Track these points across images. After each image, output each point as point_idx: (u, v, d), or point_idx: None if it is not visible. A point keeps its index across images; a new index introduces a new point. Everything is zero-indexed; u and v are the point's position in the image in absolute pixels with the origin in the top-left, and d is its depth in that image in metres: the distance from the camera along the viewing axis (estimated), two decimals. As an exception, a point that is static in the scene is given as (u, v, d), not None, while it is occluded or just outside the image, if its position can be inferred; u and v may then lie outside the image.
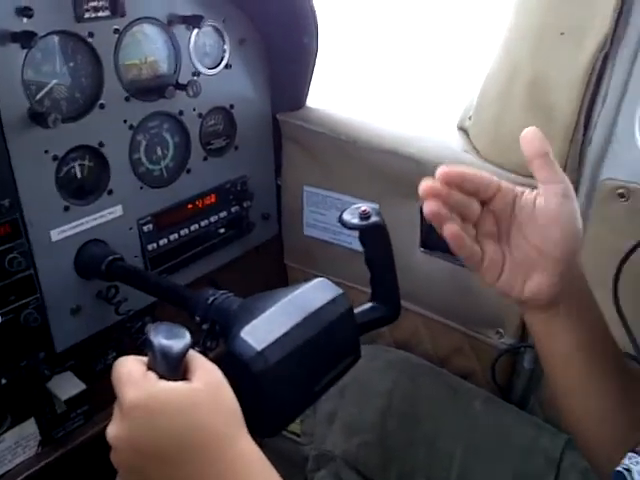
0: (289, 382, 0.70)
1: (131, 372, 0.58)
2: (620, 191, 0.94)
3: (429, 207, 0.65)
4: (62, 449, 1.03)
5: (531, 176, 0.95)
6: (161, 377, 0.58)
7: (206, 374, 0.59)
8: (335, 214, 1.25)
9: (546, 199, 0.66)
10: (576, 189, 0.97)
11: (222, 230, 1.22)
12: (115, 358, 0.61)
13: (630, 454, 0.68)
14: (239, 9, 1.14)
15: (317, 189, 1.26)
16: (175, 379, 0.58)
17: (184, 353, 0.59)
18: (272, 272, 1.41)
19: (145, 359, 0.60)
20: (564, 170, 0.96)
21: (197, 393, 0.57)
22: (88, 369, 1.05)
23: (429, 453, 0.97)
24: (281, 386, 0.69)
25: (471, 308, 0.98)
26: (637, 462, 0.66)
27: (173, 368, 0.58)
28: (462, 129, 1.08)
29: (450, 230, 0.65)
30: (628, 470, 0.66)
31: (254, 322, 0.70)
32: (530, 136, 0.67)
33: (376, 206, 0.87)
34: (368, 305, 0.91)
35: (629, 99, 0.90)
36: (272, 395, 0.68)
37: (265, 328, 0.69)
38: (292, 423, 0.80)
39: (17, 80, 0.87)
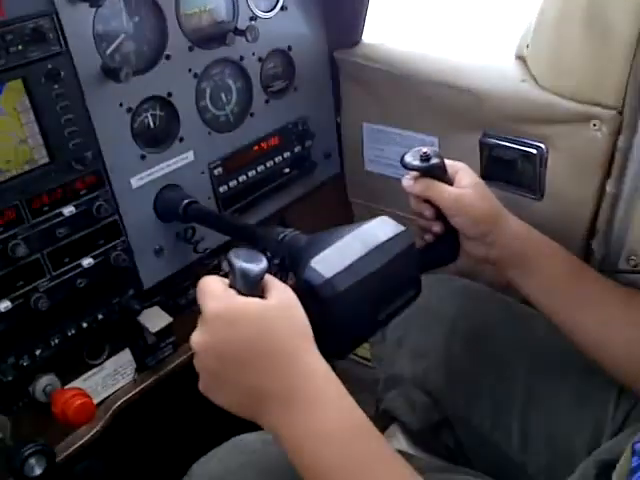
0: (354, 309, 0.75)
1: (213, 288, 0.65)
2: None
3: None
4: (155, 375, 1.14)
5: (588, 103, 0.95)
6: (239, 294, 0.64)
7: (280, 293, 0.65)
8: (395, 149, 1.27)
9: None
10: (636, 123, 0.94)
11: (287, 170, 1.27)
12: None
13: None
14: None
15: (376, 125, 1.27)
16: (252, 296, 0.64)
17: (262, 275, 0.65)
18: (337, 209, 1.45)
19: (226, 280, 0.66)
20: (623, 101, 0.94)
21: (270, 308, 0.64)
22: (173, 303, 1.14)
23: (493, 374, 1.01)
24: (347, 312, 0.74)
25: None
26: None
27: (251, 287, 0.65)
28: (520, 57, 1.06)
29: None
30: None
31: (322, 253, 0.75)
32: None
33: (436, 148, 0.91)
34: (430, 244, 0.94)
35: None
36: (339, 320, 0.74)
37: (333, 259, 0.75)
38: (359, 348, 0.86)
39: (89, 37, 0.92)
